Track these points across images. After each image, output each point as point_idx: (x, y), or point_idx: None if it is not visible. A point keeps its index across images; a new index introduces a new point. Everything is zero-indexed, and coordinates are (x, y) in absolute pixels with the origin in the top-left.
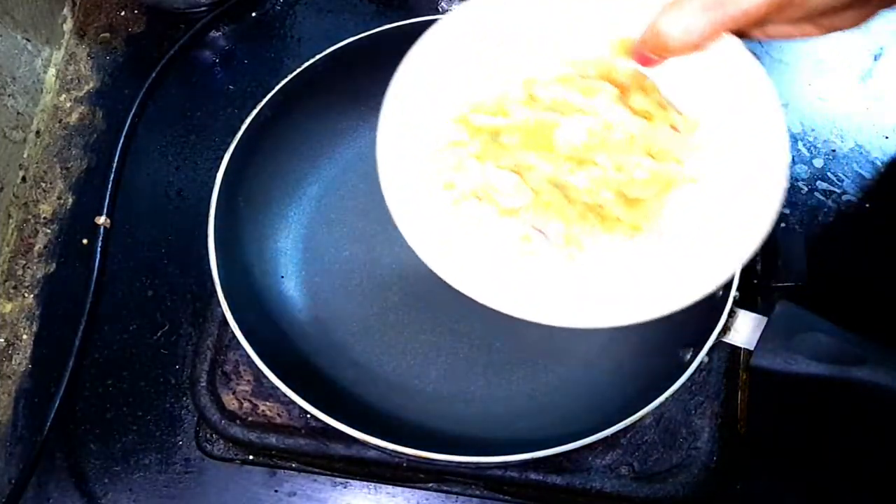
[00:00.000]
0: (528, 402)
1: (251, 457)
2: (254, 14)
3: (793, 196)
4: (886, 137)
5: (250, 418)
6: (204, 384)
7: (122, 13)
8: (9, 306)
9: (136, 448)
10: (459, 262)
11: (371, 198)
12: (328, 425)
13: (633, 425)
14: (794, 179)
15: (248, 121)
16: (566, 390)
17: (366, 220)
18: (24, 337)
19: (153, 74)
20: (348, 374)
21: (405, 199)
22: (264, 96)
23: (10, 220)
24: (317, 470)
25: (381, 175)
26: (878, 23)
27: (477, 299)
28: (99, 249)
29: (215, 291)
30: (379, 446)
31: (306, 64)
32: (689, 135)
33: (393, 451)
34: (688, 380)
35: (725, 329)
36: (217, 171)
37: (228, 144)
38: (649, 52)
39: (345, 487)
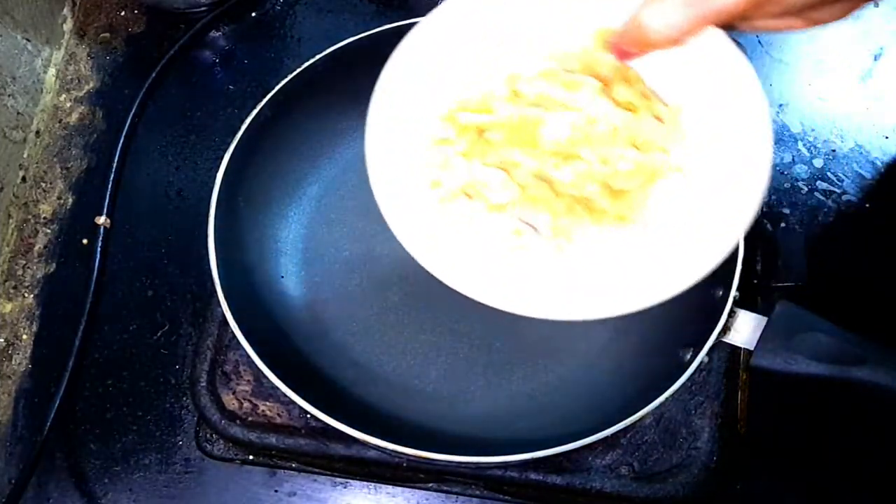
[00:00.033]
0: (528, 402)
1: (251, 457)
2: (254, 14)
3: (793, 196)
4: (886, 137)
5: (250, 418)
6: (204, 384)
7: (122, 13)
8: (9, 306)
9: (136, 448)
10: (450, 258)
11: (371, 198)
12: (328, 425)
13: (633, 425)
14: (794, 179)
15: (248, 121)
16: (566, 390)
17: (366, 220)
18: (24, 337)
19: (153, 74)
20: (348, 374)
21: (394, 196)
22: (264, 96)
23: (10, 220)
24: (317, 470)
25: (370, 173)
26: (878, 23)
27: (468, 295)
28: (99, 249)
29: (215, 291)
30: (379, 446)
31: (306, 64)
32: (673, 125)
33: (393, 451)
34: (688, 380)
35: (725, 329)
36: (217, 171)
37: (228, 144)
38: (630, 46)
39: (345, 487)
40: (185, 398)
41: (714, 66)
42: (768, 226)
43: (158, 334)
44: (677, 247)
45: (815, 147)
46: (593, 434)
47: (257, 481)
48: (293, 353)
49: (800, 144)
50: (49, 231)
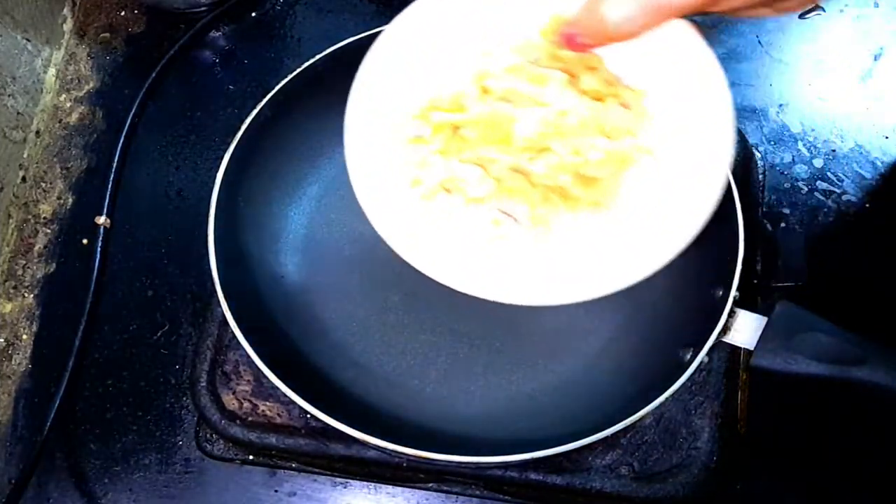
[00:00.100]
0: (528, 402)
1: (251, 457)
2: (254, 14)
3: (793, 196)
4: (886, 137)
5: (250, 418)
6: (204, 384)
7: (122, 13)
8: (9, 306)
9: (136, 448)
10: (433, 251)
11: None
12: (328, 425)
13: (633, 425)
14: (794, 179)
15: (248, 121)
16: (566, 390)
17: (366, 220)
18: (24, 337)
19: (153, 74)
20: (348, 374)
21: (375, 193)
22: (264, 96)
23: (10, 220)
24: (317, 470)
25: (351, 172)
26: (878, 23)
27: (452, 286)
28: (99, 249)
29: (215, 291)
30: (379, 446)
31: (306, 64)
32: (638, 108)
33: (393, 451)
34: (688, 380)
35: (725, 329)
36: (217, 171)
37: (228, 144)
38: (587, 38)
39: (345, 487)
40: (185, 398)
41: (675, 51)
42: (768, 226)
43: (158, 334)
44: (650, 230)
45: (815, 147)
46: (593, 434)
47: (257, 481)
48: (293, 353)
49: (800, 144)
50: (49, 231)
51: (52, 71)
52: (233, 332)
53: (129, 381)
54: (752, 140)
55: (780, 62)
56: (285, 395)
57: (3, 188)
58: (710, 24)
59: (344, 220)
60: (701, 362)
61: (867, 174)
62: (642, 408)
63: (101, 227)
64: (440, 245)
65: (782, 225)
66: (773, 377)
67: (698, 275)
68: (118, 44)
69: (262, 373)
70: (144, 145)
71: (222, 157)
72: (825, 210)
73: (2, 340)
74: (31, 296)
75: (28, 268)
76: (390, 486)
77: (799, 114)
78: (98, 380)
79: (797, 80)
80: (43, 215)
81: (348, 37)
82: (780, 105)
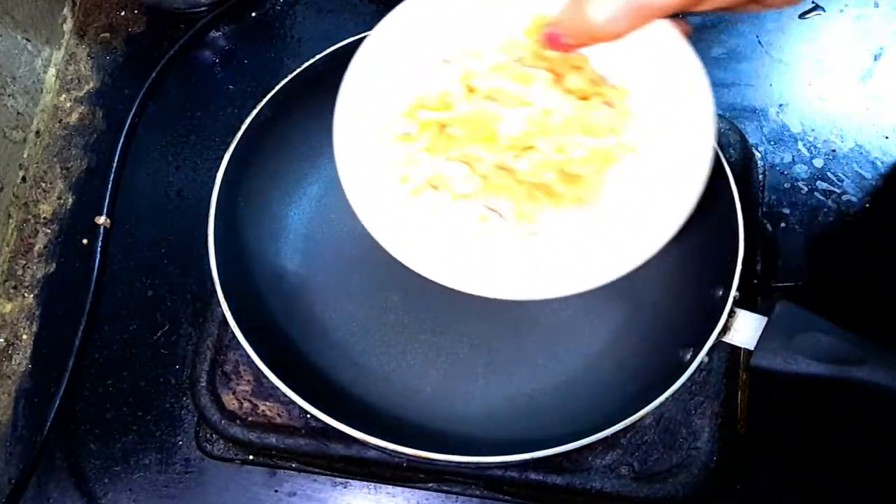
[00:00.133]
0: (528, 402)
1: (251, 457)
2: (254, 14)
3: (793, 196)
4: (886, 137)
5: (250, 418)
6: (204, 384)
7: (122, 13)
8: (9, 306)
9: (136, 448)
10: (421, 247)
11: None
12: (328, 425)
13: (633, 425)
14: (794, 179)
15: (248, 121)
16: (566, 390)
17: None
18: (24, 337)
19: (153, 74)
20: (348, 374)
21: (364, 190)
22: (264, 96)
23: (10, 220)
24: (317, 470)
25: (339, 169)
26: (878, 23)
27: (440, 281)
28: (99, 249)
29: (215, 291)
30: (379, 446)
31: (306, 64)
32: (622, 107)
33: (393, 451)
34: (688, 380)
35: (725, 329)
36: (217, 171)
37: (228, 144)
38: (571, 39)
39: (345, 487)
40: (185, 398)
41: (658, 51)
42: (768, 226)
43: (158, 334)
44: (632, 226)
45: (815, 147)
46: (593, 434)
47: (257, 481)
48: (293, 353)
49: (800, 144)
50: (49, 231)
51: (52, 71)
52: (233, 332)
53: (129, 381)
54: (752, 140)
55: (780, 62)
56: (285, 395)
57: (3, 188)
58: (710, 24)
59: (344, 220)
60: (701, 362)
61: (867, 174)
62: (642, 408)
63: (101, 227)
64: (428, 240)
65: (782, 225)
66: (773, 377)
67: (698, 275)
68: (118, 44)
69: (262, 373)
70: (144, 145)
71: (222, 157)
72: (825, 210)
73: (2, 340)
74: (31, 296)
75: (28, 268)
76: (390, 486)
77: (799, 114)
78: (98, 380)
79: (797, 80)
80: (43, 215)
81: (348, 37)
82: (780, 105)
